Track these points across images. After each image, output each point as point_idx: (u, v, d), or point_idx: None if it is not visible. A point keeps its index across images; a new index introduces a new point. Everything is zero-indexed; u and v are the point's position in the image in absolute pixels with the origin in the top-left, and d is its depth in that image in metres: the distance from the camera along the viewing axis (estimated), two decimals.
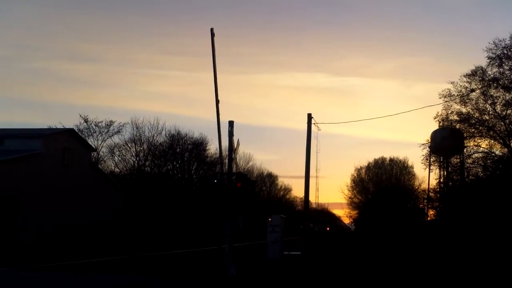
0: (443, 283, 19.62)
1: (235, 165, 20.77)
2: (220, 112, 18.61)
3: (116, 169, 62.81)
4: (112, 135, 61.42)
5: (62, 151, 39.03)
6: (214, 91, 18.70)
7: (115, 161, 63.30)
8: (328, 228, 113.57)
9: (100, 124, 60.23)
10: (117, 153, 62.81)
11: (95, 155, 56.70)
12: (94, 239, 40.85)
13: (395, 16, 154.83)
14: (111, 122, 60.84)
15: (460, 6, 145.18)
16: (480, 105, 38.32)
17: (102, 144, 61.17)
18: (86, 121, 59.33)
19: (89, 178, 42.26)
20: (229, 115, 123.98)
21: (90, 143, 52.76)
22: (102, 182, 44.70)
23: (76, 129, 49.92)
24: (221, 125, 18.72)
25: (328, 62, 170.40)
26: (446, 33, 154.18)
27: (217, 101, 18.90)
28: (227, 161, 20.56)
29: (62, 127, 48.70)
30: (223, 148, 19.66)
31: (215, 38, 18.39)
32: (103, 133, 60.81)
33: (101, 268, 22.41)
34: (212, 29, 18.29)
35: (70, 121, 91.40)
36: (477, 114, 38.61)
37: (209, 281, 17.97)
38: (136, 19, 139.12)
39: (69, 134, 41.39)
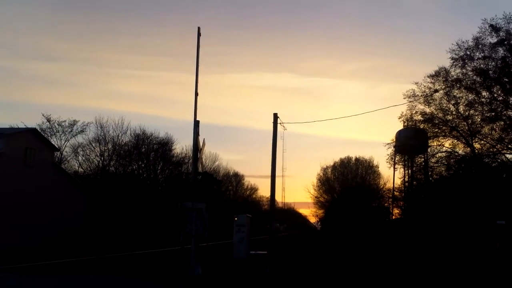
0: (404, 276, 19.81)
1: (200, 165, 20.66)
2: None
3: (80, 169, 61.90)
4: (75, 135, 60.50)
5: (24, 150, 38.23)
6: (194, 87, 19.92)
7: (79, 161, 62.35)
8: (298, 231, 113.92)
9: (63, 124, 59.26)
10: (81, 153, 61.89)
11: (58, 155, 55.77)
12: (58, 241, 40.18)
13: (361, 18, 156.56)
14: (75, 122, 59.94)
15: (425, 8, 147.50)
16: (444, 105, 38.94)
17: (65, 143, 60.19)
18: (49, 120, 58.31)
19: (52, 178, 41.48)
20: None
21: (53, 142, 51.86)
22: (65, 182, 43.92)
23: (38, 128, 48.98)
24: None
25: (295, 63, 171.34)
26: (411, 35, 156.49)
27: (196, 94, 19.80)
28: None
29: (24, 127, 47.74)
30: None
31: (200, 37, 19.88)
32: (67, 133, 59.83)
33: (63, 270, 21.99)
34: (199, 28, 20.26)
35: (33, 121, 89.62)
36: (440, 114, 39.20)
37: (174, 281, 17.75)
38: (101, 18, 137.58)
39: (32, 133, 40.54)
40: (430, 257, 28.76)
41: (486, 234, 29.11)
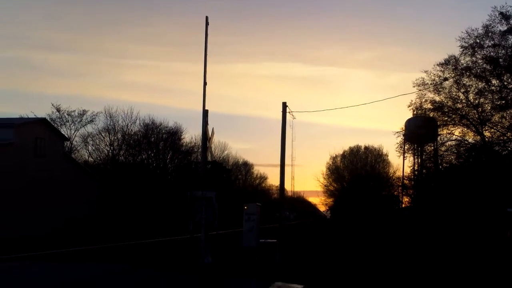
0: (413, 263, 19.82)
1: (210, 154, 20.72)
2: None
3: (90, 159, 62.26)
4: (85, 125, 60.84)
5: (34, 140, 38.44)
6: (203, 77, 19.84)
7: (88, 150, 62.72)
8: (310, 220, 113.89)
9: (72, 114, 59.59)
10: (91, 142, 62.23)
11: (68, 145, 56.04)
12: (68, 230, 40.47)
13: (370, 6, 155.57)
14: (84, 112, 60.25)
15: None
16: (453, 93, 38.71)
17: (75, 133, 60.55)
18: (58, 110, 58.62)
19: (62, 168, 41.73)
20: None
21: (63, 132, 52.12)
22: (76, 172, 44.18)
23: (48, 118, 49.25)
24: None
25: (304, 52, 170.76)
26: (421, 23, 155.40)
27: (205, 83, 19.73)
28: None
29: (34, 117, 47.97)
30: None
31: (208, 27, 19.85)
32: (76, 123, 60.17)
33: (74, 258, 22.18)
34: (206, 17, 20.16)
35: (42, 111, 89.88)
36: (450, 103, 38.98)
37: (184, 270, 17.86)
38: (110, 8, 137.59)
39: (42, 123, 40.76)
40: (440, 245, 28.76)
41: (497, 222, 29.03)
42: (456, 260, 22.69)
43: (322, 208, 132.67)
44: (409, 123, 43.21)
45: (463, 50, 36.67)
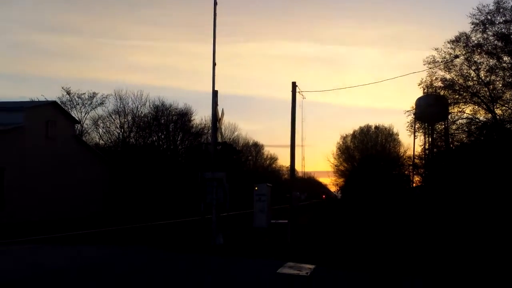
0: (423, 246, 19.84)
1: (220, 135, 20.73)
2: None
3: (101, 141, 62.59)
4: (95, 107, 61.10)
5: (45, 123, 38.58)
6: (212, 57, 19.92)
7: (99, 133, 63.02)
8: (324, 196, 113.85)
9: (83, 96, 59.85)
10: (101, 125, 62.51)
11: (78, 128, 56.32)
12: (81, 212, 40.80)
13: None
14: (94, 94, 60.48)
15: None
16: (464, 71, 38.38)
17: (85, 116, 60.82)
18: (68, 93, 58.87)
19: (74, 150, 41.93)
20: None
21: (74, 115, 52.30)
22: (87, 154, 44.40)
23: (58, 101, 49.39)
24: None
25: (313, 31, 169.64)
26: (430, 0, 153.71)
27: (214, 64, 19.76)
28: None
29: (45, 100, 48.13)
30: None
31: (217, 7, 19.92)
32: (86, 105, 60.44)
33: (86, 240, 22.39)
34: None
35: (52, 94, 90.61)
36: (461, 80, 38.68)
37: (196, 251, 17.99)
38: None
39: (52, 106, 40.87)
40: (452, 225, 28.73)
41: (510, 200, 28.94)
42: (469, 240, 22.69)
43: (332, 189, 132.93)
44: (419, 101, 42.84)
45: (474, 27, 36.31)
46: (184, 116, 66.55)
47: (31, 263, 15.04)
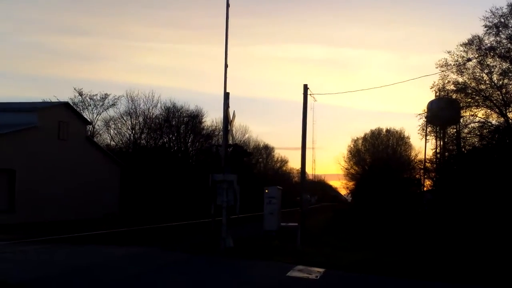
0: (435, 254, 19.76)
1: (231, 137, 20.73)
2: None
3: (112, 142, 62.85)
4: (107, 108, 61.41)
5: (57, 124, 38.81)
6: (223, 59, 19.71)
7: (110, 134, 63.30)
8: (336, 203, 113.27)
9: (94, 97, 60.17)
10: (113, 126, 62.76)
11: (90, 129, 56.60)
12: (95, 213, 40.91)
13: None
14: (106, 95, 60.78)
15: None
16: (477, 74, 38.10)
17: (97, 117, 61.13)
18: (80, 94, 59.22)
19: (85, 151, 42.12)
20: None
21: (85, 116, 52.55)
22: (99, 155, 44.59)
23: (70, 102, 49.68)
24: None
25: (324, 33, 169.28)
26: (443, 2, 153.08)
27: (226, 66, 19.59)
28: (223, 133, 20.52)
29: (57, 101, 48.42)
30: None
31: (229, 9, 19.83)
32: (98, 106, 60.77)
33: (97, 241, 22.47)
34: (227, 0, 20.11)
35: (65, 95, 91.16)
36: (473, 84, 38.42)
37: (206, 252, 18.00)
38: None
39: (64, 107, 41.11)
40: (463, 230, 28.56)
41: None
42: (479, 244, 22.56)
43: (343, 192, 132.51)
44: (431, 105, 42.58)
45: (487, 30, 36.04)
46: (195, 117, 66.65)
47: (44, 262, 15.11)
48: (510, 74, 36.45)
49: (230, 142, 20.27)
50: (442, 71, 38.19)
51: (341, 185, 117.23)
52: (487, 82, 37.77)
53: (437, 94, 41.92)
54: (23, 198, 34.56)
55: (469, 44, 37.40)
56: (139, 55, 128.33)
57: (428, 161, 48.84)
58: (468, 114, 39.88)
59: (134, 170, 53.00)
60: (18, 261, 15.67)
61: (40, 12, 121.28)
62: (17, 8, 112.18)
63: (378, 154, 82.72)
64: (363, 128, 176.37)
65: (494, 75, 37.35)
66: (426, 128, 45.80)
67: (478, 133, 38.92)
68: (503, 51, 36.02)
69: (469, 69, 38.00)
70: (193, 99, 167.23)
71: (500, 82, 37.06)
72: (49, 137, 37.76)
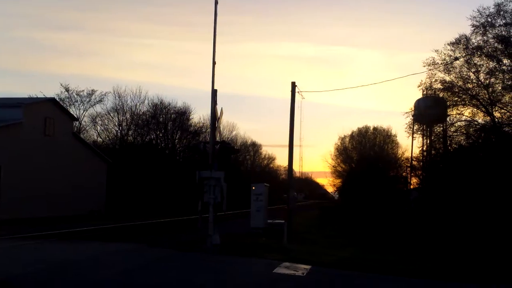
0: (419, 249, 19.87)
1: (218, 134, 20.67)
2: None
3: (99, 139, 62.61)
4: (94, 104, 61.16)
5: (43, 120, 38.55)
6: (211, 56, 19.36)
7: (97, 130, 63.04)
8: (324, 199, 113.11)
9: (81, 93, 59.90)
10: (100, 122, 62.49)
11: (77, 125, 56.28)
12: (80, 210, 40.69)
13: None
14: (93, 91, 60.51)
15: None
16: (464, 73, 38.34)
17: (84, 113, 60.83)
18: (67, 90, 58.90)
19: (72, 148, 41.87)
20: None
21: (72, 112, 52.24)
22: (85, 152, 44.35)
23: (57, 98, 49.35)
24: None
25: (313, 32, 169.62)
26: (431, 2, 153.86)
27: (214, 63, 19.31)
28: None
29: (43, 96, 48.09)
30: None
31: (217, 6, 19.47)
32: (85, 102, 60.48)
33: (85, 237, 22.34)
34: None
35: (51, 91, 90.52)
36: (460, 83, 38.64)
37: (192, 250, 17.95)
38: None
39: (51, 103, 40.84)
40: (449, 227, 28.73)
41: (507, 203, 28.92)
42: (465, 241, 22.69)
43: (330, 189, 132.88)
44: (418, 103, 42.79)
45: (474, 29, 36.28)
46: (182, 114, 66.52)
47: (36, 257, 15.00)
48: (496, 73, 36.69)
49: (218, 139, 20.21)
50: (430, 69, 38.38)
51: (328, 183, 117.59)
52: (474, 81, 38.00)
53: (425, 92, 42.14)
54: (9, 194, 34.28)
55: (456, 43, 37.63)
56: (126, 51, 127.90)
57: (414, 159, 49.04)
58: (455, 112, 40.12)
59: (121, 167, 52.80)
60: (3, 257, 15.54)
61: (27, 7, 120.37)
62: (2, 3, 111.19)
63: (365, 152, 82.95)
64: (350, 126, 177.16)
65: (481, 74, 37.58)
66: (413, 126, 46.02)
67: (464, 132, 39.16)
68: (490, 50, 36.26)
69: (456, 68, 38.22)
70: (180, 96, 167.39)
71: (487, 81, 37.30)
72: (35, 133, 37.50)
